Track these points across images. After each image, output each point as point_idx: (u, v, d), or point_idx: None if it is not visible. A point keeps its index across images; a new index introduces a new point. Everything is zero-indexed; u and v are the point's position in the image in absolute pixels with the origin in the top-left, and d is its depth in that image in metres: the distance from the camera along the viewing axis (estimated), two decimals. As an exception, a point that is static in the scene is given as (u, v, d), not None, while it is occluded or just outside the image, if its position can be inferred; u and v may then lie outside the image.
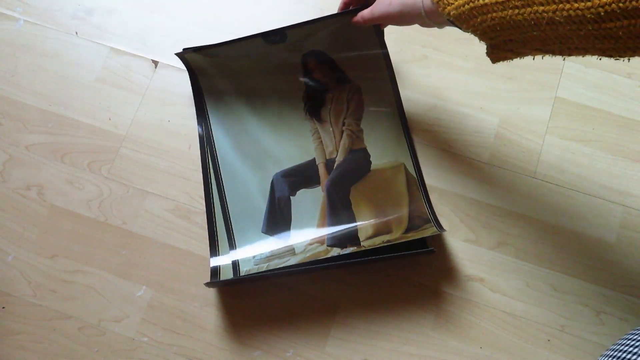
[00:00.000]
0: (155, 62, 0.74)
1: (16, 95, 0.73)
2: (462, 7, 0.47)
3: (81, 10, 0.76)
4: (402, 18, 0.56)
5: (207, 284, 0.61)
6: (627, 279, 0.66)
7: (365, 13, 0.61)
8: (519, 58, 0.50)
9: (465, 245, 0.67)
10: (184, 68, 0.73)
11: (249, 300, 0.65)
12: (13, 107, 0.72)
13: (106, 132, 0.72)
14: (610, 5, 0.38)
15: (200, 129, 0.70)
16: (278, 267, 0.63)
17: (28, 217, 0.68)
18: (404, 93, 0.73)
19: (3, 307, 0.66)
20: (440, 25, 0.54)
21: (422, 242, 0.64)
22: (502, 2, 0.44)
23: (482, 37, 0.49)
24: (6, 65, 0.74)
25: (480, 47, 0.76)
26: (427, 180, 0.69)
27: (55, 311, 0.65)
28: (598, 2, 0.38)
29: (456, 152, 0.70)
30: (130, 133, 0.72)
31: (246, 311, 0.65)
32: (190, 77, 0.71)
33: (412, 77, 0.73)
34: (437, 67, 0.74)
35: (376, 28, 0.69)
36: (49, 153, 0.71)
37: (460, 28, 0.51)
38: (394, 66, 0.73)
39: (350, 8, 0.65)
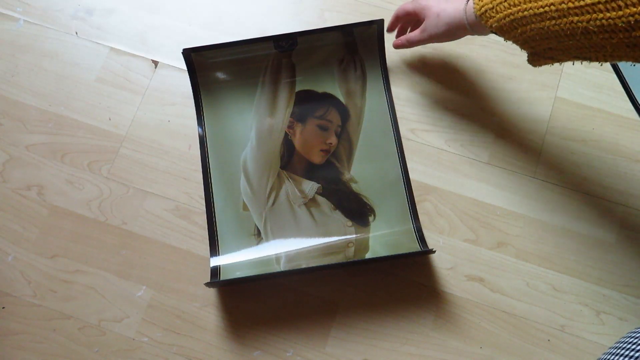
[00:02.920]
0: (155, 62, 0.74)
1: (16, 95, 0.73)
2: (503, 20, 0.51)
3: (81, 10, 0.76)
4: (450, 35, 0.61)
5: (207, 284, 0.61)
6: (627, 279, 0.66)
7: (413, 36, 0.65)
8: (559, 64, 0.53)
9: (465, 245, 0.67)
10: (184, 68, 0.73)
11: (249, 300, 0.65)
12: (13, 107, 0.72)
13: (106, 132, 0.72)
14: None
15: (200, 129, 0.70)
16: (277, 271, 0.64)
17: (28, 217, 0.68)
18: (404, 93, 0.73)
19: (3, 307, 0.66)
20: (484, 34, 0.58)
21: (422, 243, 0.65)
22: (540, 14, 0.47)
23: (523, 46, 0.52)
24: (6, 65, 0.74)
25: (480, 47, 0.76)
26: (427, 181, 0.69)
27: (55, 311, 0.65)
28: (629, 11, 0.41)
29: (456, 152, 0.70)
30: (130, 133, 0.72)
31: (246, 311, 0.65)
32: (190, 76, 0.71)
33: (412, 77, 0.73)
34: (437, 67, 0.74)
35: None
36: (49, 153, 0.71)
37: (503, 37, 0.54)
38: (394, 66, 0.73)
39: (397, 29, 0.70)
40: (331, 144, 0.70)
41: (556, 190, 0.69)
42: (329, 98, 0.72)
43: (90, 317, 0.65)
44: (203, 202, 0.68)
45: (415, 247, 0.64)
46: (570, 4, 0.44)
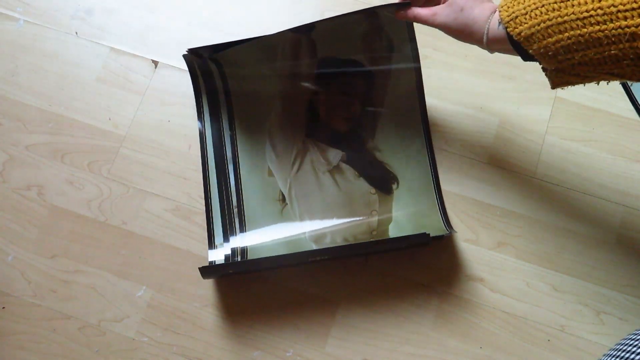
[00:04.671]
0: (155, 62, 0.74)
1: (16, 95, 0.73)
2: (536, 27, 0.45)
3: (81, 10, 0.76)
4: (461, 36, 0.55)
5: (203, 271, 0.61)
6: (627, 279, 0.66)
7: (423, 14, 0.57)
8: (582, 84, 0.48)
9: (465, 245, 0.67)
10: (184, 68, 0.73)
11: (249, 300, 0.65)
12: (13, 107, 0.72)
13: (106, 132, 0.72)
14: None
15: (200, 126, 0.70)
16: (275, 255, 0.63)
17: (28, 217, 0.68)
18: (404, 93, 0.73)
19: (3, 307, 0.66)
20: (494, 50, 0.53)
21: (444, 215, 0.66)
22: (584, 18, 0.42)
23: (551, 59, 0.46)
24: (6, 65, 0.74)
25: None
26: (427, 180, 0.69)
27: (55, 311, 0.65)
28: None
29: (456, 152, 0.70)
30: (130, 133, 0.72)
31: (246, 311, 0.65)
32: (191, 75, 0.70)
33: (412, 77, 0.73)
34: (437, 67, 0.74)
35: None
36: (49, 153, 0.71)
37: (522, 53, 0.49)
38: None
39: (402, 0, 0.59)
40: (355, 112, 0.70)
41: (556, 190, 0.69)
42: (353, 65, 0.71)
43: (90, 317, 0.65)
44: (203, 202, 0.68)
45: (437, 219, 0.65)
46: (621, 7, 0.40)
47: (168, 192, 0.69)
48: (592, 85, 0.72)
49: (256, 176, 0.69)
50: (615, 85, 0.73)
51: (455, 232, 0.65)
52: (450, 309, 0.65)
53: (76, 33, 0.76)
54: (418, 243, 0.65)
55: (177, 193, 0.69)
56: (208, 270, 0.63)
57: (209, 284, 0.66)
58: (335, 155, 0.69)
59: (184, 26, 0.76)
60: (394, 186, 0.68)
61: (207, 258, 0.66)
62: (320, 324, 0.65)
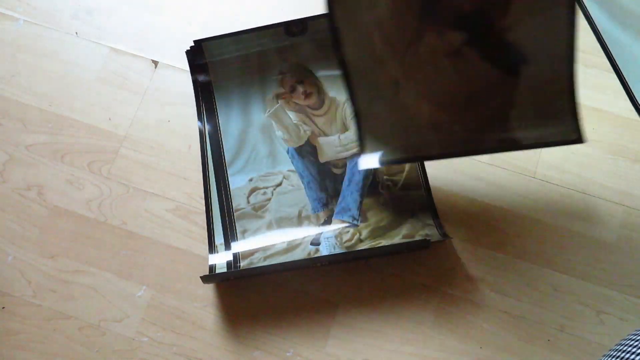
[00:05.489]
0: (155, 62, 0.74)
1: (16, 95, 0.73)
2: None
3: (81, 10, 0.77)
4: None
5: (204, 278, 0.61)
6: (627, 279, 0.66)
7: None
8: None
9: (465, 245, 0.67)
10: (184, 68, 0.73)
11: (249, 300, 0.65)
12: (13, 107, 0.72)
13: (106, 132, 0.72)
14: None
15: (200, 125, 0.70)
16: (278, 262, 0.64)
17: (28, 217, 0.68)
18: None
19: (3, 307, 0.66)
20: None
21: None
22: None
23: None
24: (6, 65, 0.74)
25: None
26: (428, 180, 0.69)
27: (55, 311, 0.65)
28: None
29: (456, 152, 0.70)
30: (130, 133, 0.72)
31: (246, 311, 0.65)
32: (191, 71, 0.70)
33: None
34: (437, 67, 0.74)
35: None
36: (49, 153, 0.71)
37: None
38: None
39: None
40: None
41: (556, 190, 0.69)
42: None
43: (90, 317, 0.65)
44: (203, 202, 0.68)
45: (569, 117, 0.58)
46: None
47: (168, 192, 0.69)
48: (592, 85, 0.73)
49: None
50: (616, 85, 0.73)
51: (451, 237, 0.65)
52: (450, 309, 0.65)
53: (76, 33, 0.76)
54: (418, 247, 0.65)
55: (177, 193, 0.69)
56: (209, 278, 0.63)
57: (209, 284, 0.66)
58: (455, 37, 0.57)
59: (184, 26, 0.76)
60: (522, 70, 0.57)
61: (208, 260, 0.66)
62: (320, 324, 0.65)
